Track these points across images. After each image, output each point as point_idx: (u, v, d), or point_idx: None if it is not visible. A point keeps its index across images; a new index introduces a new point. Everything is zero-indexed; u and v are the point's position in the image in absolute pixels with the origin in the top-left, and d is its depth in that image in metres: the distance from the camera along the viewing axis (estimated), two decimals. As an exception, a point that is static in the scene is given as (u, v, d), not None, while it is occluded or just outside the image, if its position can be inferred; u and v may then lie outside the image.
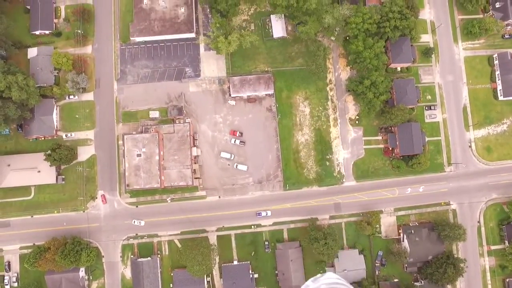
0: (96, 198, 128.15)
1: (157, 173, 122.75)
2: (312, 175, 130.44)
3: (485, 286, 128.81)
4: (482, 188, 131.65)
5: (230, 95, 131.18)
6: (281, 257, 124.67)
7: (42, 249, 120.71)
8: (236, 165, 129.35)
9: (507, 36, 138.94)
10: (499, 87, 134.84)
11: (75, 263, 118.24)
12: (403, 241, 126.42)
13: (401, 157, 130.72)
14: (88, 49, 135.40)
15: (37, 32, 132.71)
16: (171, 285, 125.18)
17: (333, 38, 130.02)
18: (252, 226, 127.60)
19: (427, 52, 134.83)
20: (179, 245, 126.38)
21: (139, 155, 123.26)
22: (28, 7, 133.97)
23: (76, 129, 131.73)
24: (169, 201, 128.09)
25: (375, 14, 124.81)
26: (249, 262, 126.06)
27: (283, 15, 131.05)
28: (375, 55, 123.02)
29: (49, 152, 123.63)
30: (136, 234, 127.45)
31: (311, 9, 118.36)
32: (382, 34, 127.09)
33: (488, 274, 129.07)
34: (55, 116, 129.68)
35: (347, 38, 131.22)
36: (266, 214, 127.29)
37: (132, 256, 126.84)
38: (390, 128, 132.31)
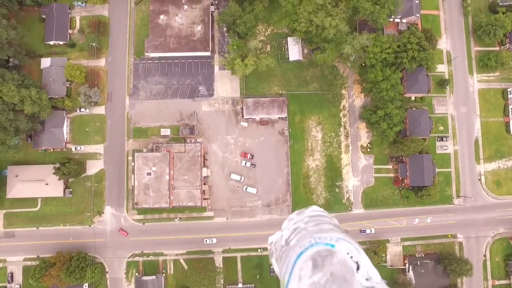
0: (103, 213, 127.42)
1: (167, 193, 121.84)
2: (321, 201, 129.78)
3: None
4: (490, 222, 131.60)
5: (243, 116, 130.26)
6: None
7: (47, 264, 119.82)
8: (246, 188, 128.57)
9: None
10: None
11: (79, 280, 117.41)
12: (408, 272, 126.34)
13: (411, 187, 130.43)
14: (102, 62, 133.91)
15: (51, 42, 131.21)
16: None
17: (349, 64, 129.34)
18: (259, 250, 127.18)
19: (442, 83, 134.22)
20: (184, 265, 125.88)
21: (149, 174, 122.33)
22: (44, 16, 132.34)
23: (85, 142, 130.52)
24: (177, 221, 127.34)
25: (393, 43, 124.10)
26: (253, 285, 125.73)
27: (300, 38, 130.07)
28: (391, 86, 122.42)
29: (58, 166, 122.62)
30: (142, 252, 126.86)
31: (330, 37, 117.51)
32: (399, 64, 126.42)
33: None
34: (65, 128, 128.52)
35: (363, 65, 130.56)
36: (371, 231, 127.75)
37: (136, 273, 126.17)
38: (401, 158, 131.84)
